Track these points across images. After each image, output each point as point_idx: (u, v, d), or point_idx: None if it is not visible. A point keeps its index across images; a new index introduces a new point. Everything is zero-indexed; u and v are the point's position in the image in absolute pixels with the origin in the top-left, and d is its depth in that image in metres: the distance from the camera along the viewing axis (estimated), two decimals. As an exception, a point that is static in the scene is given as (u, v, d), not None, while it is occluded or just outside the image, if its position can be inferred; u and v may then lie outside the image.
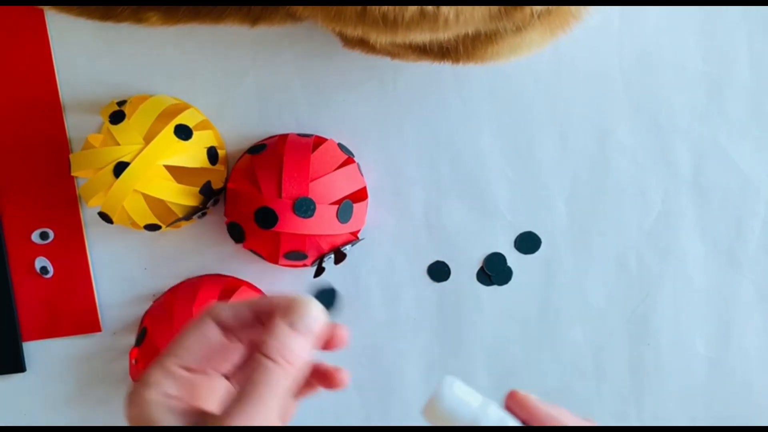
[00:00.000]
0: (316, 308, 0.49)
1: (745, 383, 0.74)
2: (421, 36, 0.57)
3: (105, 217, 0.68)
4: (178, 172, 0.68)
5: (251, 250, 0.69)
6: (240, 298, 0.68)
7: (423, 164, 0.72)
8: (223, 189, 0.70)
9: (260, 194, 0.66)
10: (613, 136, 0.72)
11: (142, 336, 0.69)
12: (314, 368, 0.52)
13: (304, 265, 0.70)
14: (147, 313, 0.71)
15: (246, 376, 0.48)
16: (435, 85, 0.72)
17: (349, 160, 0.70)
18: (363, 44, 0.66)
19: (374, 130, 0.72)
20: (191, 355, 0.49)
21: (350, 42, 0.66)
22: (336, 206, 0.67)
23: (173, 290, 0.72)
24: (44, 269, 0.72)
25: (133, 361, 0.69)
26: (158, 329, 0.68)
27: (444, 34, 0.57)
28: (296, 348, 0.48)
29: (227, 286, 0.70)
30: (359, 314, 0.73)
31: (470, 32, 0.58)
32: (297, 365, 0.48)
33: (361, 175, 0.71)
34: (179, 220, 0.68)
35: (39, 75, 0.71)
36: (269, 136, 0.72)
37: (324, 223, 0.66)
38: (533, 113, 0.72)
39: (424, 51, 0.63)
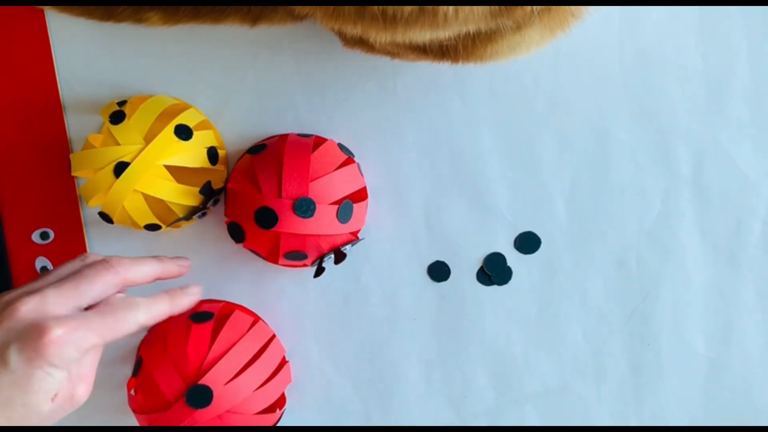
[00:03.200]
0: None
1: (745, 383, 0.74)
2: (421, 34, 0.57)
3: (105, 217, 0.68)
4: (178, 172, 0.68)
5: (251, 250, 0.69)
6: (235, 323, 0.68)
7: (423, 164, 0.72)
8: (223, 189, 0.70)
9: (260, 194, 0.66)
10: (613, 136, 0.72)
11: (138, 366, 0.69)
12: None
13: (304, 265, 0.70)
14: (142, 342, 0.71)
15: None
16: (435, 85, 0.72)
17: (349, 160, 0.70)
18: (363, 44, 0.66)
19: (374, 130, 0.72)
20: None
21: (350, 41, 0.66)
22: (336, 206, 0.67)
23: (168, 319, 0.71)
24: (44, 269, 0.72)
25: (132, 392, 0.68)
26: (153, 359, 0.67)
27: (444, 32, 0.57)
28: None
29: (221, 312, 0.69)
30: (359, 314, 0.73)
31: (470, 31, 0.58)
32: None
33: (361, 175, 0.71)
34: (179, 220, 0.68)
35: (39, 75, 0.71)
36: (269, 136, 0.72)
37: (324, 223, 0.66)
38: (533, 113, 0.72)
39: (423, 50, 0.63)
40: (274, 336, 0.71)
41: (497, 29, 0.58)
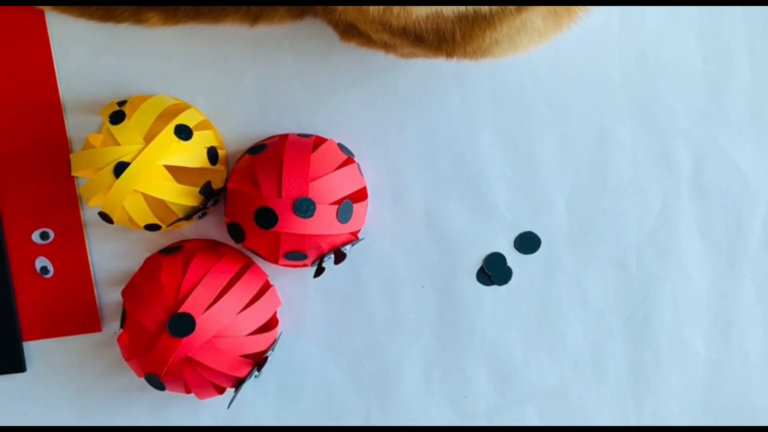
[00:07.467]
0: None
1: (745, 383, 0.74)
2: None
3: (105, 217, 0.68)
4: (178, 172, 0.68)
5: (251, 250, 0.69)
6: (206, 251, 0.69)
7: (423, 164, 0.72)
8: (223, 189, 0.70)
9: (260, 194, 0.66)
10: (613, 136, 0.72)
11: (123, 317, 0.69)
12: None
13: (304, 265, 0.70)
14: (122, 293, 0.71)
15: None
16: (435, 85, 0.72)
17: (349, 160, 0.70)
18: (359, 35, 0.65)
19: (374, 130, 0.72)
20: None
21: (347, 33, 0.66)
22: (336, 206, 0.67)
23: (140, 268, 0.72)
24: (44, 269, 0.72)
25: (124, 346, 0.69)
26: (133, 301, 0.68)
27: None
28: None
29: (190, 245, 0.70)
30: (359, 314, 0.73)
31: (470, 11, 0.57)
32: None
33: (361, 175, 0.71)
34: (179, 220, 0.68)
35: (39, 75, 0.71)
36: (269, 136, 0.72)
37: (324, 223, 0.66)
38: (533, 113, 0.72)
39: (420, 39, 0.62)
40: (251, 262, 0.71)
41: (498, 11, 0.58)
